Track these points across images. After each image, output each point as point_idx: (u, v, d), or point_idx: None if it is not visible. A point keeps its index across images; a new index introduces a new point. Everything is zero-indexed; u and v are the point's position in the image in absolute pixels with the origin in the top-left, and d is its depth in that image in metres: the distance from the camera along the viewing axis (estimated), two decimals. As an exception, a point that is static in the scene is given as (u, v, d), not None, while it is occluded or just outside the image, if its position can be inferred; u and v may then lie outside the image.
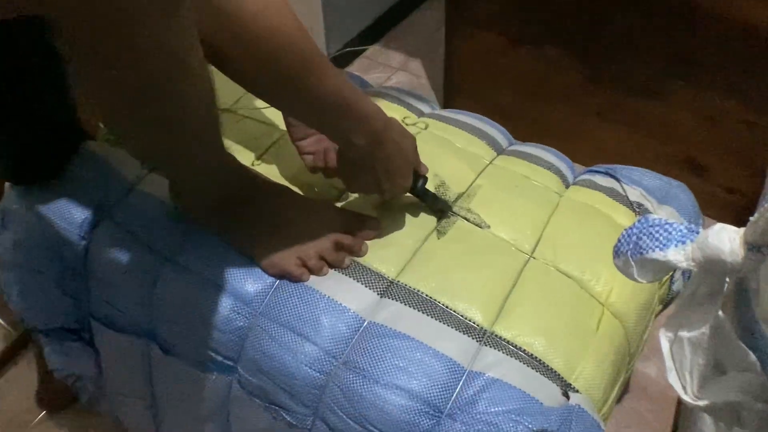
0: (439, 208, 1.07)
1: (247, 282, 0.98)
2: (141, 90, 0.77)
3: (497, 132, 1.29)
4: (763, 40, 1.50)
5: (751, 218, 0.67)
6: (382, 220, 1.05)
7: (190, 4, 0.73)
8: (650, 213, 1.13)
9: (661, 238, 0.71)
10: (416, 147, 1.02)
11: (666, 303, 1.18)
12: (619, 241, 0.76)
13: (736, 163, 1.71)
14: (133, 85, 0.76)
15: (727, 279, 0.73)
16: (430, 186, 1.07)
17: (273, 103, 0.98)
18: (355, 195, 1.10)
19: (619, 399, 1.07)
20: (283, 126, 1.17)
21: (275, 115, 1.22)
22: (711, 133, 1.70)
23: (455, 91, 2.06)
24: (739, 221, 0.70)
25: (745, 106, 1.62)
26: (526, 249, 1.05)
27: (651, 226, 0.73)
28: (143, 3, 0.68)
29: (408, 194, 1.06)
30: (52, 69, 1.05)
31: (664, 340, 0.79)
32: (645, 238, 0.72)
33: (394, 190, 1.01)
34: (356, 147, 0.93)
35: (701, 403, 0.76)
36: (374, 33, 2.41)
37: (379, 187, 0.99)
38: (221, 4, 0.80)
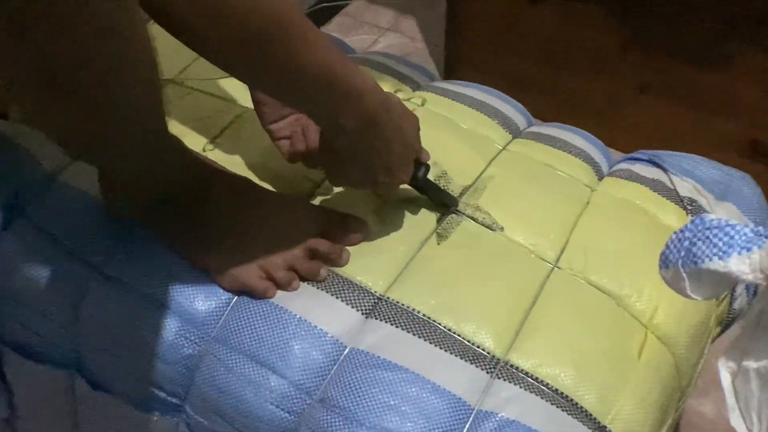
0: (444, 202, 1.08)
1: (198, 299, 0.98)
2: (63, 60, 0.76)
3: (513, 109, 1.30)
4: None
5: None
6: (368, 220, 1.05)
7: None
8: (706, 212, 1.14)
9: (720, 244, 0.71)
10: (419, 129, 1.02)
11: (725, 324, 1.18)
12: (667, 247, 0.76)
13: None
14: (54, 54, 0.75)
15: (806, 295, 0.74)
16: (430, 176, 1.07)
17: (240, 76, 0.96)
18: (338, 189, 1.10)
19: (666, 445, 1.07)
20: (243, 101, 1.17)
21: (233, 86, 1.23)
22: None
23: (459, 58, 2.06)
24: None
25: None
26: (549, 257, 1.05)
27: (708, 228, 0.73)
28: None
29: (404, 186, 1.06)
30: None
31: (725, 371, 0.80)
32: (700, 243, 0.72)
33: (391, 183, 1.01)
34: (346, 131, 0.93)
35: (772, 451, 0.76)
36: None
37: (372, 180, 0.99)
38: None
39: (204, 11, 0.81)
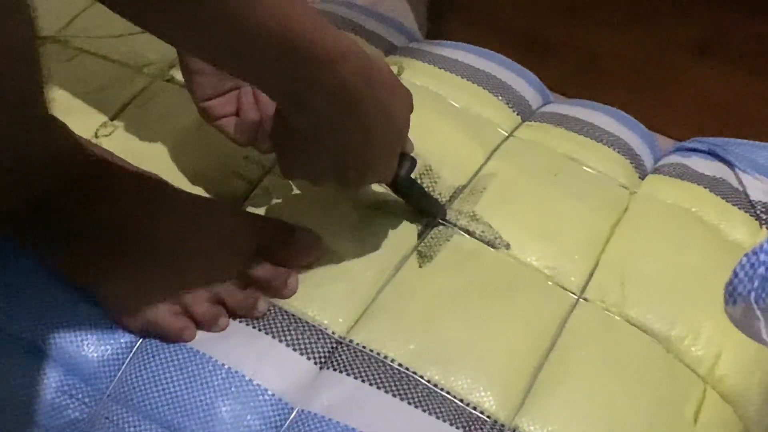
0: (428, 210, 1.08)
1: (87, 343, 0.98)
2: None
3: (523, 82, 1.31)
4: None
5: None
6: (324, 233, 1.05)
7: None
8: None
9: None
10: (411, 110, 1.01)
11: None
12: (735, 274, 0.76)
13: None
14: None
15: None
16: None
17: (161, 33, 0.95)
18: (284, 190, 1.11)
19: None
20: (153, 66, 1.17)
21: (138, 46, 1.23)
22: None
23: (449, 9, 2.06)
24: None
25: None
26: (572, 285, 1.06)
27: None
28: None
29: (375, 186, 1.07)
30: None
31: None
32: None
33: (364, 181, 1.02)
34: (310, 109, 0.91)
35: None
36: None
37: (339, 176, 0.99)
38: None
39: None
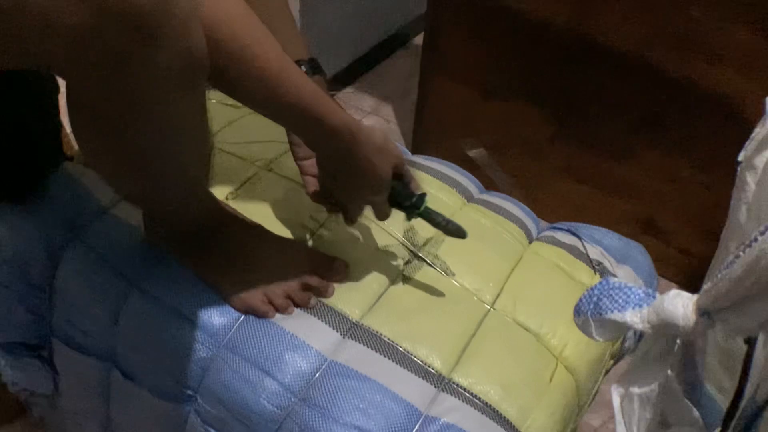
0: (451, 230, 1.04)
1: (214, 314, 0.98)
2: (138, 150, 0.78)
3: (467, 180, 1.31)
4: (724, 107, 1.53)
5: (704, 286, 0.70)
6: (350, 262, 1.06)
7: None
8: (609, 272, 1.16)
9: (620, 301, 0.74)
10: (393, 163, 0.98)
11: (617, 359, 1.20)
12: (580, 300, 0.78)
13: (692, 225, 1.75)
14: (131, 145, 0.77)
15: (678, 341, 0.77)
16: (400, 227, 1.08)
17: (258, 110, 0.91)
18: (326, 235, 1.11)
19: (566, 450, 1.09)
20: (259, 162, 1.19)
21: (252, 151, 1.23)
22: (671, 195, 1.73)
23: (425, 138, 2.08)
24: (690, 282, 0.72)
25: (703, 169, 1.64)
26: (487, 299, 1.07)
27: (611, 288, 0.75)
28: (162, 83, 0.68)
29: (381, 231, 1.08)
30: (36, 88, 1.06)
31: (616, 395, 0.82)
32: (605, 299, 0.75)
33: (368, 201, 1.01)
34: (324, 153, 0.94)
35: (646, 455, 0.79)
36: (348, 76, 2.41)
37: (357, 192, 0.99)
38: None
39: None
